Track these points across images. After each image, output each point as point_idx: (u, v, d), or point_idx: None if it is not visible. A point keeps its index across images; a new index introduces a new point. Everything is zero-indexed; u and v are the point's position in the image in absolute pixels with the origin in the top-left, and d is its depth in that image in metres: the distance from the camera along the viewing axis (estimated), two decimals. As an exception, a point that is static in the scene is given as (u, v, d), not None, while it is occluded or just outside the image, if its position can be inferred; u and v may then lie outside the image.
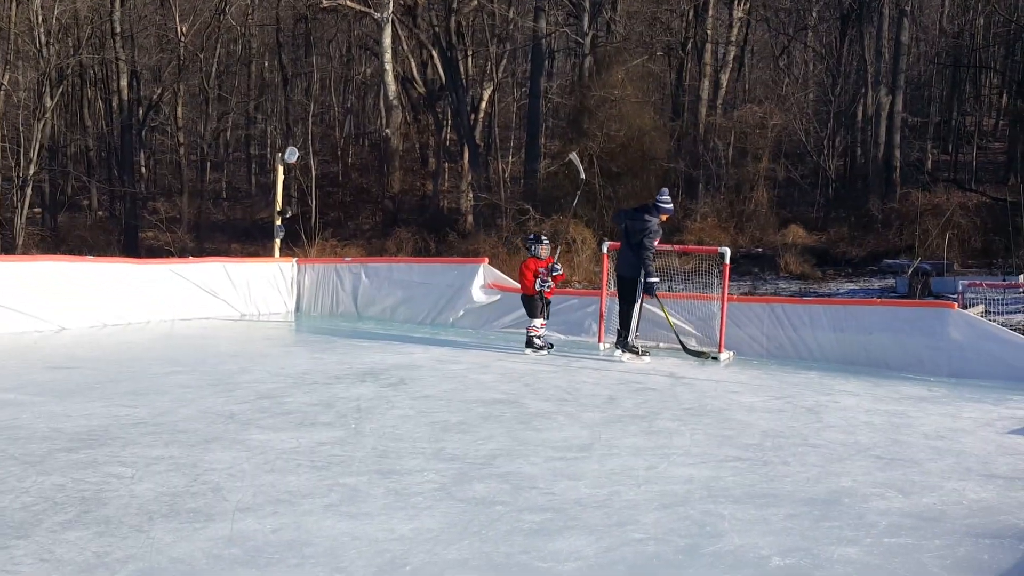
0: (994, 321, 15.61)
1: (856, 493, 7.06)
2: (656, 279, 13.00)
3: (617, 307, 13.52)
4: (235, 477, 7.02)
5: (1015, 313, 18.90)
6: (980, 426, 9.63)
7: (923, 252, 30.24)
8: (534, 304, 13.63)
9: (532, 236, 14.27)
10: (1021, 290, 19.37)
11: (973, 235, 32.46)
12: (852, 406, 10.48)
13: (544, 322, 13.81)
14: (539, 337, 13.70)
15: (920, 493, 7.11)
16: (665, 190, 13.78)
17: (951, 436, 9.04)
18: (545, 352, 13.62)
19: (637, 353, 13.31)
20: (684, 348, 13.34)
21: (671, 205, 13.38)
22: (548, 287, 13.57)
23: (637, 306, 13.31)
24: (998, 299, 19.16)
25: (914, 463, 8.02)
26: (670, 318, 13.50)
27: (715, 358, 13.09)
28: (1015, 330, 13.59)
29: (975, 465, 7.99)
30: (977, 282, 19.78)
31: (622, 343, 13.37)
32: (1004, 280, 23.06)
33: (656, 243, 13.04)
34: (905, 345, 12.97)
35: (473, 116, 42.29)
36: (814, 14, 48.74)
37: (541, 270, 13.57)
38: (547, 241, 13.94)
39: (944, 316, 12.64)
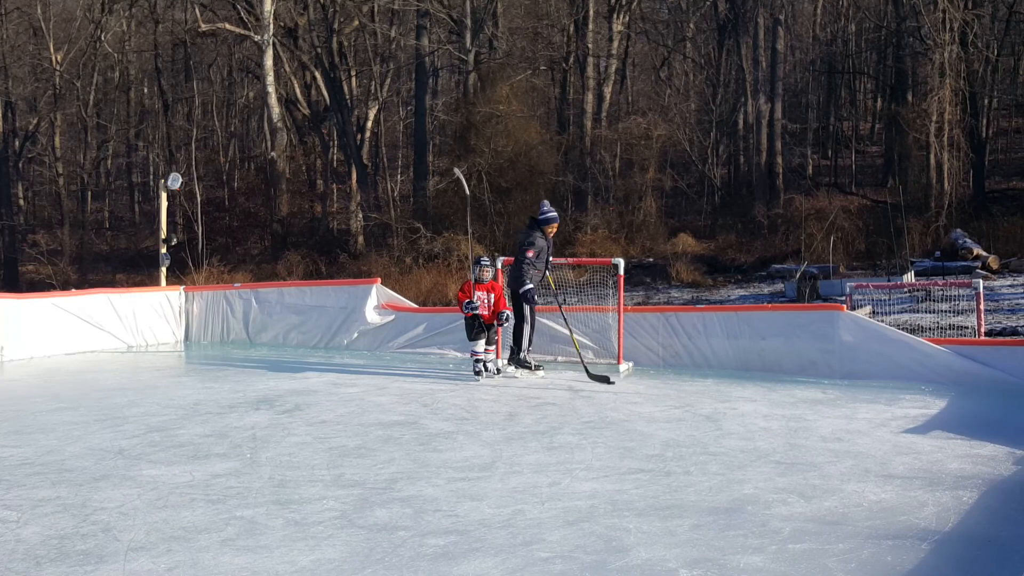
0: (882, 321, 15.93)
1: (759, 500, 7.09)
2: (529, 286, 12.89)
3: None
4: (126, 515, 6.78)
5: (902, 313, 19.33)
6: (875, 427, 9.77)
7: (809, 256, 30.89)
8: (468, 327, 12.95)
9: (477, 258, 13.52)
10: (906, 290, 19.85)
11: (856, 237, 33.24)
12: (750, 412, 10.57)
13: (488, 348, 13.02)
14: (479, 362, 12.97)
15: (821, 497, 7.16)
16: (545, 201, 13.70)
17: (848, 438, 9.16)
18: (490, 375, 12.98)
19: (530, 368, 13.23)
20: (588, 373, 13.11)
21: (552, 213, 13.23)
22: (473, 309, 12.77)
23: (527, 320, 13.23)
24: (884, 299, 19.58)
25: (813, 467, 8.09)
26: (575, 339, 13.41)
27: (611, 382, 12.74)
28: (903, 330, 13.85)
29: (873, 466, 8.09)
30: (864, 283, 20.21)
31: (515, 359, 13.27)
32: (889, 281, 23.64)
33: (530, 253, 12.88)
34: (798, 349, 13.14)
35: (359, 136, 42.05)
36: (691, 25, 49.60)
37: (480, 294, 12.86)
38: (487, 262, 13.23)
39: (834, 319, 12.84)
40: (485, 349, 12.95)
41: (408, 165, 46.78)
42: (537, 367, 13.28)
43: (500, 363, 13.24)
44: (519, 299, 13.09)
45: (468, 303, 12.69)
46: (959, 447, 8.77)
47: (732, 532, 6.35)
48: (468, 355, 13.54)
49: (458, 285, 29.76)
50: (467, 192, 14.24)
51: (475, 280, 12.98)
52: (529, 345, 13.37)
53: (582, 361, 13.13)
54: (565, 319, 13.38)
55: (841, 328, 12.71)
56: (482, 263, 13.12)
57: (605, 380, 12.59)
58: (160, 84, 49.52)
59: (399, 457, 8.49)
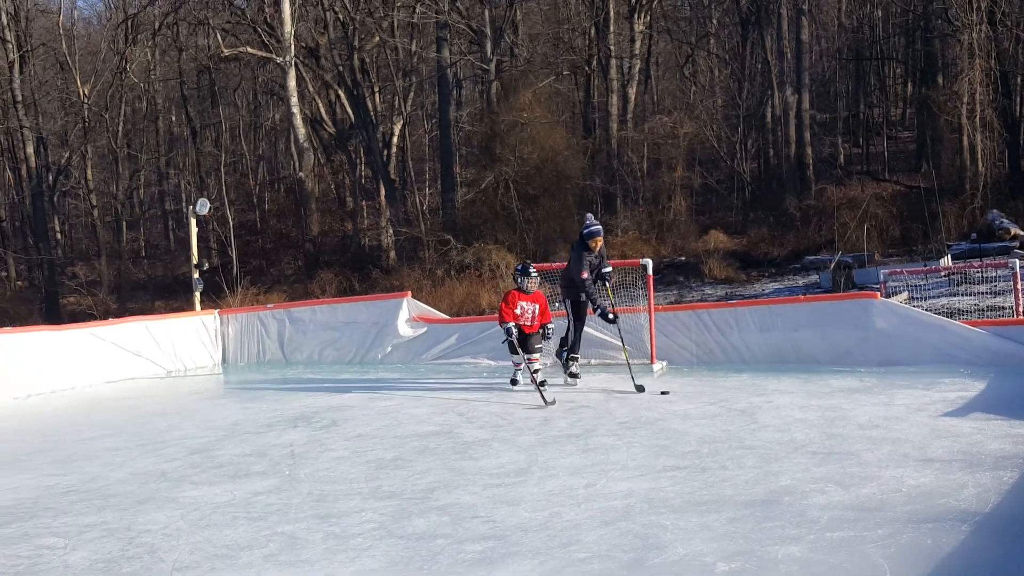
0: (919, 307, 15.83)
1: (796, 491, 7.08)
2: (601, 308, 12.44)
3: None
4: (171, 536, 6.88)
5: (939, 297, 19.19)
6: (913, 412, 9.73)
7: (843, 245, 30.71)
8: (509, 345, 12.32)
9: (520, 267, 12.83)
10: (943, 274, 19.71)
11: (891, 224, 33.01)
12: (785, 404, 10.55)
13: (532, 356, 12.27)
14: (522, 372, 12.48)
15: (859, 484, 7.14)
16: (588, 215, 13.29)
17: (885, 425, 9.12)
18: (533, 386, 11.95)
19: (575, 375, 13.03)
20: (637, 388, 12.31)
21: (594, 227, 12.75)
22: (510, 336, 12.23)
23: (570, 327, 12.95)
24: (921, 285, 19.45)
25: (851, 455, 8.07)
26: (628, 356, 12.94)
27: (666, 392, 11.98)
28: (940, 314, 13.77)
29: (911, 451, 8.06)
30: (898, 270, 20.05)
31: (564, 366, 13.10)
32: (925, 266, 23.46)
33: (585, 275, 12.43)
34: (833, 339, 13.10)
35: (385, 152, 42.21)
36: (714, 21, 49.47)
37: (524, 305, 12.36)
38: (535, 274, 12.60)
39: (868, 307, 12.79)
40: (529, 359, 12.24)
41: (436, 178, 46.92)
42: (574, 376, 13.09)
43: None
44: (569, 308, 12.93)
45: (508, 329, 12.18)
46: (999, 428, 8.72)
47: (769, 524, 6.36)
48: (502, 362, 13.63)
49: (491, 294, 29.90)
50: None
51: (521, 290, 12.46)
52: (576, 354, 13.12)
53: (632, 377, 12.43)
54: (620, 333, 12.95)
55: (875, 316, 12.66)
56: (530, 274, 12.50)
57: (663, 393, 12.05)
58: (187, 111, 49.98)
59: (436, 466, 8.55)
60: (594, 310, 12.53)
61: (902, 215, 33.45)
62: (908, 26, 46.21)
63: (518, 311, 12.34)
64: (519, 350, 12.26)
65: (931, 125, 39.92)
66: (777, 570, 5.56)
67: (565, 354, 13.05)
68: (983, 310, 17.03)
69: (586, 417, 10.57)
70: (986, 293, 17.66)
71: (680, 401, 11.20)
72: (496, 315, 12.77)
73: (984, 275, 18.39)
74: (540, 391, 11.58)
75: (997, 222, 29.31)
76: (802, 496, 6.95)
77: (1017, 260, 15.58)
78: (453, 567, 5.94)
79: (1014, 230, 28.35)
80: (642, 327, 13.90)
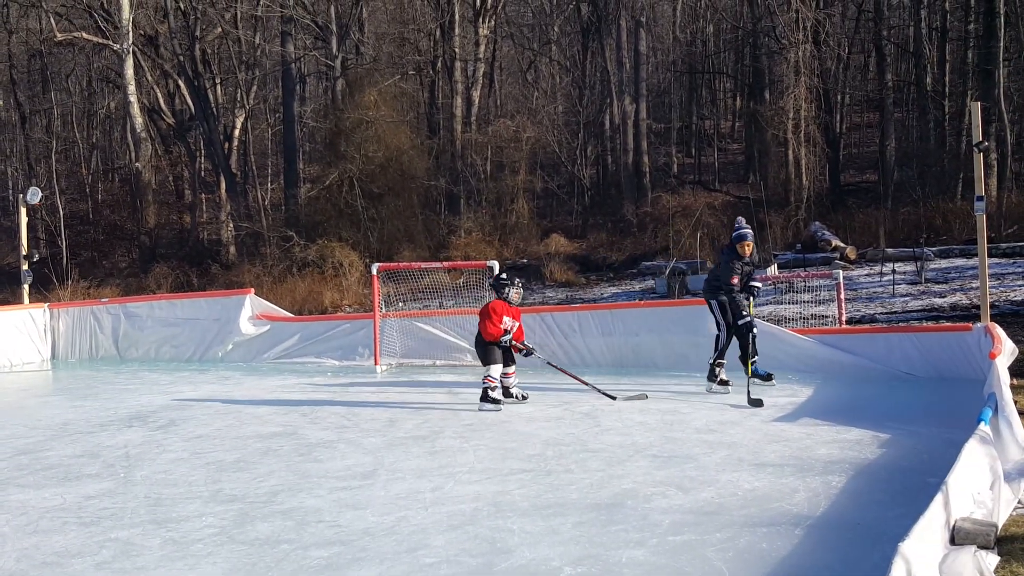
0: (749, 314, 16.28)
1: (639, 494, 7.21)
2: (742, 319, 11.49)
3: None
4: (-5, 543, 6.57)
5: (766, 305, 19.81)
6: (746, 417, 10.05)
7: (677, 252, 31.40)
8: (490, 350, 11.14)
9: (504, 277, 11.70)
10: (770, 283, 20.29)
11: (722, 233, 33.79)
12: (626, 407, 10.74)
13: (510, 370, 11.36)
14: (495, 389, 11.10)
15: (698, 488, 7.33)
16: (740, 219, 12.38)
17: (721, 429, 9.38)
18: (499, 406, 11.00)
19: (726, 383, 11.74)
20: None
21: (744, 229, 11.88)
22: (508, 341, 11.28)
23: (722, 333, 11.82)
24: (750, 292, 20.01)
25: (689, 458, 8.27)
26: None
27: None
28: (768, 322, 14.22)
29: (746, 455, 8.31)
30: (731, 277, 20.57)
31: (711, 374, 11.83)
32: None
33: (734, 280, 11.60)
34: (671, 344, 13.42)
35: (227, 145, 41.31)
36: (556, 28, 50.01)
37: (507, 320, 11.25)
38: (520, 283, 11.67)
39: (704, 313, 13.05)
40: (505, 373, 11.27)
41: (278, 173, 46.11)
42: (723, 384, 11.77)
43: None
44: (723, 309, 11.80)
45: (505, 341, 11.17)
46: (826, 433, 9.07)
47: (614, 527, 6.46)
48: (347, 362, 13.43)
49: (334, 292, 29.58)
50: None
51: (507, 301, 11.34)
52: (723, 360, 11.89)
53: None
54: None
55: (709, 322, 12.95)
56: (515, 284, 11.50)
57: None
58: (16, 96, 47.86)
59: (279, 469, 8.41)
60: (733, 319, 11.55)
61: (732, 224, 34.33)
62: (738, 42, 47.58)
63: (503, 326, 11.22)
64: (500, 360, 11.15)
65: (759, 139, 41.17)
66: (622, 574, 5.64)
67: (713, 359, 11.86)
68: (808, 318, 17.67)
69: (432, 419, 10.56)
70: (810, 302, 18.25)
71: (525, 404, 11.28)
72: (344, 315, 12.61)
73: (808, 284, 19.02)
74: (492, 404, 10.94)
75: (819, 233, 30.37)
76: (645, 499, 7.08)
77: (840, 270, 16.21)
78: (297, 573, 5.84)
79: (835, 241, 29.42)
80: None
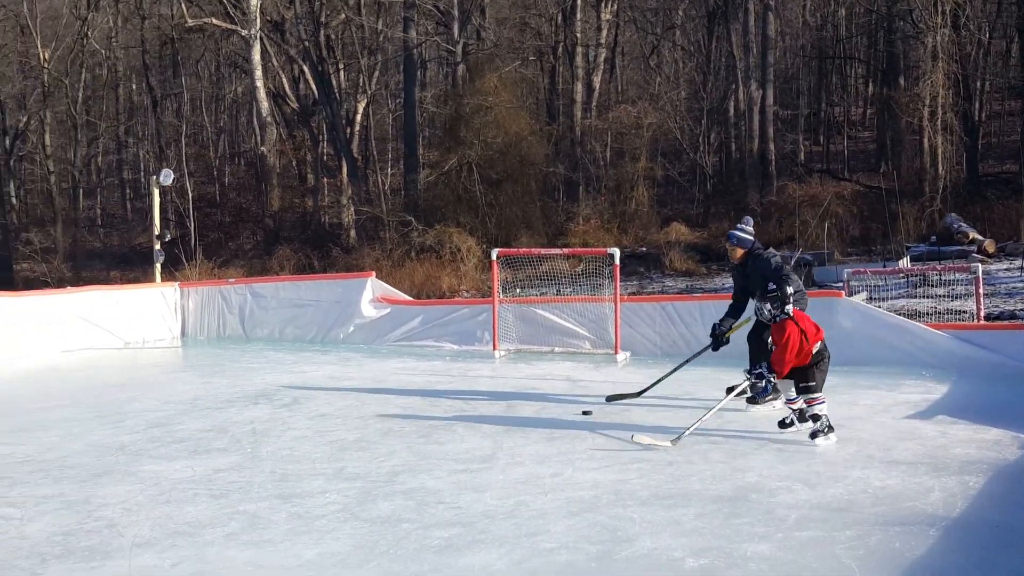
0: (879, 307, 15.94)
1: (763, 488, 7.08)
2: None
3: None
4: (130, 511, 6.78)
5: (898, 299, 19.33)
6: (877, 413, 9.78)
7: (803, 243, 30.85)
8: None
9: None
10: (902, 275, 19.82)
11: (851, 223, 33.20)
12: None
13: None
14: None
15: (826, 484, 7.16)
16: (746, 218, 10.57)
17: (850, 424, 9.13)
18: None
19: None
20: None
21: (732, 231, 10.28)
22: None
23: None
24: (881, 285, 19.55)
25: (816, 454, 8.11)
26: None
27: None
28: (900, 315, 13.87)
29: (877, 452, 8.10)
30: (861, 269, 20.16)
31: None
32: (885, 266, 23.62)
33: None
34: (795, 335, 13.13)
35: (349, 129, 41.92)
36: (680, 13, 49.48)
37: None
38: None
39: (833, 305, 12.82)
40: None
41: (398, 158, 46.63)
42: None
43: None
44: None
45: None
46: (963, 432, 8.77)
47: (737, 520, 6.35)
48: (465, 347, 13.47)
49: (451, 278, 29.81)
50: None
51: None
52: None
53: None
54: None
55: (840, 314, 12.70)
56: None
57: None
58: (148, 80, 49.29)
59: (400, 449, 8.49)
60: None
61: (862, 214, 33.63)
62: (871, 27, 46.46)
63: None
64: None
65: (892, 126, 40.20)
66: (746, 568, 5.55)
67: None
68: (942, 313, 17.19)
69: (550, 405, 10.55)
70: (944, 296, 17.77)
71: (644, 395, 11.18)
72: (463, 299, 12.63)
73: (942, 278, 18.52)
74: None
75: (955, 225, 29.57)
76: (769, 494, 6.95)
77: (979, 264, 15.71)
78: (419, 553, 5.88)
79: (972, 234, 28.61)
80: (606, 317, 13.89)
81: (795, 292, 9.09)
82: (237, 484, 7.43)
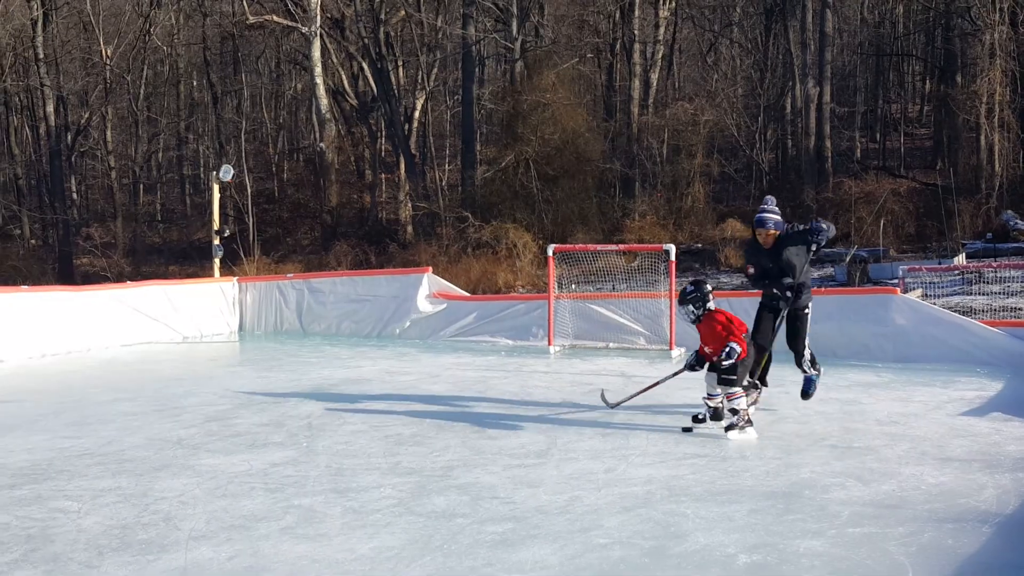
0: (934, 304, 15.79)
1: (816, 484, 7.05)
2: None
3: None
4: (187, 504, 6.86)
5: (953, 296, 19.10)
6: (931, 409, 9.70)
7: (859, 239, 30.59)
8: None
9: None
10: (957, 272, 19.60)
11: (906, 220, 32.89)
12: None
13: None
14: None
15: (879, 481, 7.12)
16: (768, 198, 9.81)
17: (904, 421, 9.08)
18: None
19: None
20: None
21: (761, 213, 9.57)
22: None
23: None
24: (936, 282, 19.36)
25: (870, 450, 8.04)
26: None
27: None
28: (955, 312, 13.71)
29: (930, 449, 8.03)
30: (917, 266, 19.96)
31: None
32: (940, 263, 23.35)
33: (749, 270, 9.90)
34: (851, 332, 13.04)
35: (407, 126, 42.12)
36: (738, 10, 49.17)
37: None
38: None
39: (888, 302, 12.74)
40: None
41: (456, 154, 46.79)
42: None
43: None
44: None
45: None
46: (1017, 429, 8.70)
47: (790, 516, 6.33)
48: (520, 342, 13.48)
49: (508, 273, 29.86)
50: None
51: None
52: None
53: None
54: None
55: (895, 311, 12.61)
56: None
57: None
58: (209, 77, 49.87)
59: (454, 444, 8.53)
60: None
61: (918, 212, 33.34)
62: (929, 24, 45.91)
63: None
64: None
65: (948, 123, 39.73)
66: (799, 564, 5.53)
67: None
68: (997, 310, 16.97)
69: (604, 401, 10.53)
70: (999, 293, 17.56)
71: (700, 388, 11.08)
72: (519, 295, 12.66)
73: (998, 275, 18.29)
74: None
75: (1012, 223, 29.18)
76: (822, 490, 6.91)
77: (1038, 262, 15.48)
78: (473, 548, 5.91)
79: (1028, 231, 28.24)
80: (662, 313, 13.86)
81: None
82: (293, 478, 7.50)
